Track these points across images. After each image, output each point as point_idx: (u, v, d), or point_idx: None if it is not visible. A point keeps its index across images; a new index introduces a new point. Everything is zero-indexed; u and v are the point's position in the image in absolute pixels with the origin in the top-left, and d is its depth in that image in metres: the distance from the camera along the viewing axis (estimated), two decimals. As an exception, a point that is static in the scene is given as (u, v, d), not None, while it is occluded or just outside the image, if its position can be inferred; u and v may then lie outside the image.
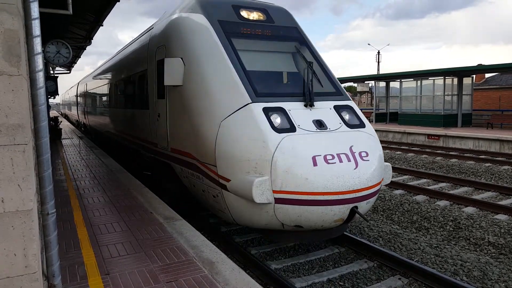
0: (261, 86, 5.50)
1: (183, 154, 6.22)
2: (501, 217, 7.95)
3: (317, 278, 5.13)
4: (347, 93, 6.23)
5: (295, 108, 5.31)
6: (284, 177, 4.62)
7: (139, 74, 8.94)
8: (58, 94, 17.02)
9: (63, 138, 18.16)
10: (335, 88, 6.16)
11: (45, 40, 10.09)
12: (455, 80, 22.76)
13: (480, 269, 5.60)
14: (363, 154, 5.03)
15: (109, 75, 13.48)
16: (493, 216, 8.07)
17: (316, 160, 4.70)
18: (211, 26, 6.03)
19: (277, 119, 5.02)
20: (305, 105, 5.43)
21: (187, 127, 5.97)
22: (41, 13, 2.81)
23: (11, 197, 2.37)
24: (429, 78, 23.88)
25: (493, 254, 6.36)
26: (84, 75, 43.67)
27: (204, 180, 5.61)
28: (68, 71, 24.84)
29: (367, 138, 5.37)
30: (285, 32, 6.66)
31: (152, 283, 3.54)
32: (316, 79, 6.01)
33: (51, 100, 27.69)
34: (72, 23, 11.80)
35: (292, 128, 4.99)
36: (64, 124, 28.71)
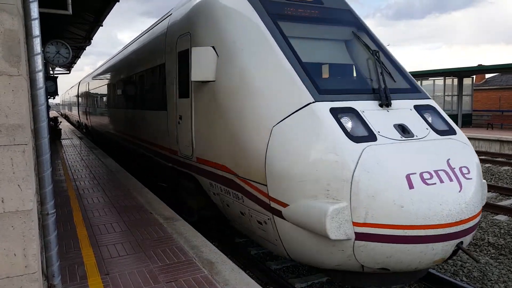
0: (322, 81, 4.48)
1: (214, 166, 5.14)
2: (501, 217, 7.94)
3: (316, 279, 5.13)
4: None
5: (368, 109, 4.21)
6: (370, 204, 3.48)
7: (154, 69, 7.79)
8: (57, 95, 17.03)
9: (63, 139, 18.16)
10: (409, 84, 5.01)
11: (45, 40, 10.10)
12: (455, 80, 22.79)
13: (480, 269, 5.61)
14: (464, 170, 3.91)
15: (116, 72, 12.36)
16: (493, 216, 8.06)
17: (411, 181, 3.56)
18: (251, 7, 4.93)
19: (348, 124, 3.94)
20: (380, 105, 4.32)
21: (221, 133, 4.90)
22: (40, 13, 2.81)
23: (11, 197, 2.37)
24: (429, 79, 23.91)
25: (492, 255, 6.35)
26: (83, 75, 43.78)
27: (246, 201, 4.56)
28: (68, 72, 24.87)
29: (463, 149, 4.24)
30: (338, 15, 5.51)
31: (152, 283, 3.54)
32: (386, 71, 4.89)
33: (50, 101, 27.73)
34: (71, 23, 11.81)
35: (371, 136, 3.87)
36: (64, 125, 28.71)
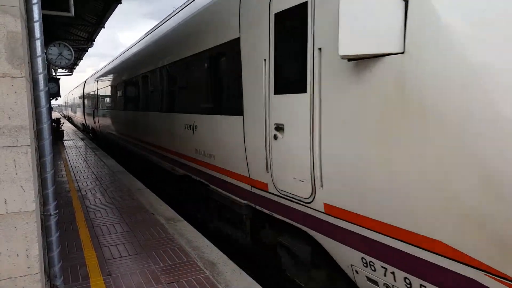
0: None
1: (386, 232, 2.74)
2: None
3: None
4: None
5: None
6: None
7: (214, 50, 5.16)
8: (60, 96, 17.08)
9: (65, 140, 18.22)
10: None
11: (47, 42, 10.14)
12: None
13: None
14: None
15: (142, 64, 9.09)
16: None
17: None
18: None
19: None
20: None
21: (427, 167, 2.35)
22: (43, 15, 2.83)
23: (14, 198, 2.39)
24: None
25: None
26: (86, 76, 43.65)
27: None
28: (70, 73, 24.98)
29: None
30: None
31: (153, 284, 3.55)
32: None
33: (53, 102, 27.83)
34: (74, 25, 11.86)
35: None
36: (66, 126, 28.82)
